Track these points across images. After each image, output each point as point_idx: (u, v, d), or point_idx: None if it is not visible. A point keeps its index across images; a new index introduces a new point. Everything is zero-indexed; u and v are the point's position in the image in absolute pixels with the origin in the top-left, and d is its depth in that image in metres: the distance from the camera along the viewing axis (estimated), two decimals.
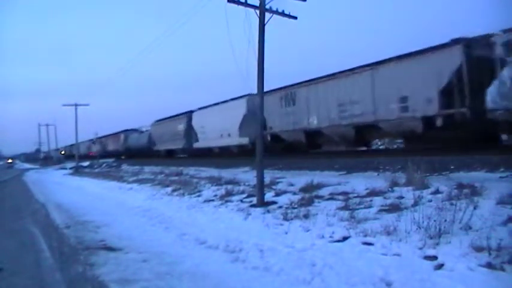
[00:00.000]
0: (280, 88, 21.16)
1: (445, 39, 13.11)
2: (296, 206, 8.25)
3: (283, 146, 21.87)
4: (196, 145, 30.49)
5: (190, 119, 31.48)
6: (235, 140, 24.33)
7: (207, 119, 28.52)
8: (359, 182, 9.97)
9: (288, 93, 20.69)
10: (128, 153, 49.20)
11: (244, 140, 23.30)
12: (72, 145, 67.98)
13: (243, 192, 11.00)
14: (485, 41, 12.08)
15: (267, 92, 19.21)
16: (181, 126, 33.00)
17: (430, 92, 13.41)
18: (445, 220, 5.30)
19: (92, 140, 64.01)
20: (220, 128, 25.86)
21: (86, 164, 47.01)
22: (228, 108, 25.40)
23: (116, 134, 53.72)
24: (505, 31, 11.50)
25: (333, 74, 18.01)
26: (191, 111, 31.79)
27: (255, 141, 20.04)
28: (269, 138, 21.62)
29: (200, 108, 30.42)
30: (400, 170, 10.83)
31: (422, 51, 13.91)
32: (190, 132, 31.37)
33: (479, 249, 4.54)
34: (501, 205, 6.10)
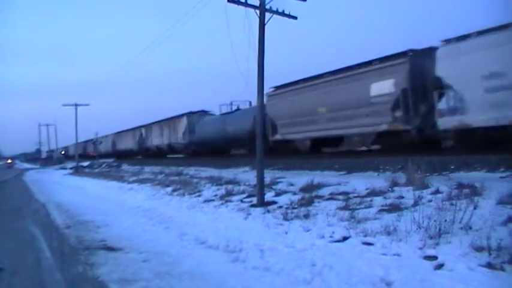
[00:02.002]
0: None
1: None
2: (296, 206, 8.26)
3: None
4: (448, 122, 12.99)
5: (419, 67, 14.31)
6: None
7: None
8: (359, 182, 9.97)
9: None
10: (197, 149, 31.05)
11: None
12: (86, 141, 58.81)
13: (243, 192, 11.01)
14: None
15: None
16: (378, 88, 15.11)
17: None
18: (445, 220, 5.31)
19: (115, 133, 50.38)
20: None
21: (86, 164, 46.95)
22: None
23: (168, 120, 35.41)
24: None
25: None
26: (418, 50, 14.65)
27: None
28: None
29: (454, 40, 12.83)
30: (400, 170, 10.85)
31: None
32: (421, 97, 14.24)
33: (479, 249, 4.54)
34: (501, 205, 6.11)
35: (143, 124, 42.36)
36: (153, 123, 39.61)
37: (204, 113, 32.56)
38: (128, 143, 46.26)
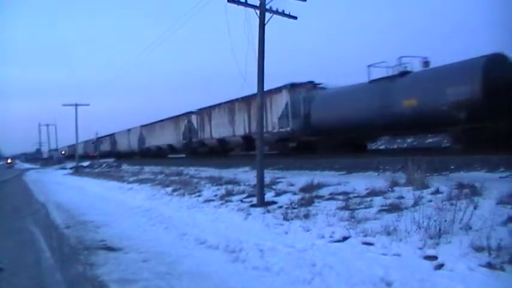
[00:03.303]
0: None
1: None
2: (296, 206, 8.26)
3: None
4: None
5: None
6: None
7: None
8: (359, 182, 9.97)
9: None
10: (310, 141, 18.89)
11: None
12: (96, 139, 52.88)
13: (243, 192, 11.00)
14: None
15: None
16: None
17: None
18: (445, 220, 5.31)
19: (143, 125, 38.94)
20: None
21: (86, 164, 46.96)
22: None
23: (248, 99, 21.85)
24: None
25: None
26: None
27: None
28: None
29: None
30: (400, 170, 10.84)
31: None
32: None
33: (479, 249, 4.54)
34: (501, 205, 6.11)
35: (192, 110, 29.43)
36: (213, 106, 26.60)
37: (314, 85, 19.90)
38: (164, 138, 34.11)
